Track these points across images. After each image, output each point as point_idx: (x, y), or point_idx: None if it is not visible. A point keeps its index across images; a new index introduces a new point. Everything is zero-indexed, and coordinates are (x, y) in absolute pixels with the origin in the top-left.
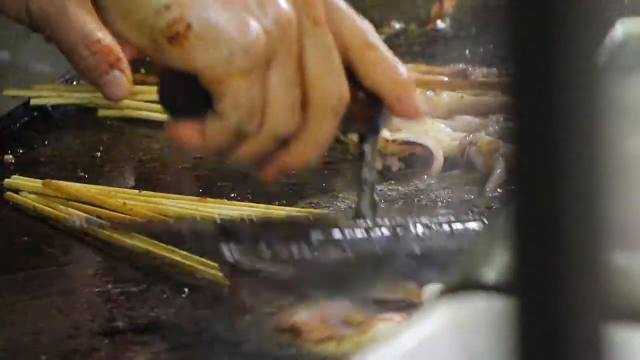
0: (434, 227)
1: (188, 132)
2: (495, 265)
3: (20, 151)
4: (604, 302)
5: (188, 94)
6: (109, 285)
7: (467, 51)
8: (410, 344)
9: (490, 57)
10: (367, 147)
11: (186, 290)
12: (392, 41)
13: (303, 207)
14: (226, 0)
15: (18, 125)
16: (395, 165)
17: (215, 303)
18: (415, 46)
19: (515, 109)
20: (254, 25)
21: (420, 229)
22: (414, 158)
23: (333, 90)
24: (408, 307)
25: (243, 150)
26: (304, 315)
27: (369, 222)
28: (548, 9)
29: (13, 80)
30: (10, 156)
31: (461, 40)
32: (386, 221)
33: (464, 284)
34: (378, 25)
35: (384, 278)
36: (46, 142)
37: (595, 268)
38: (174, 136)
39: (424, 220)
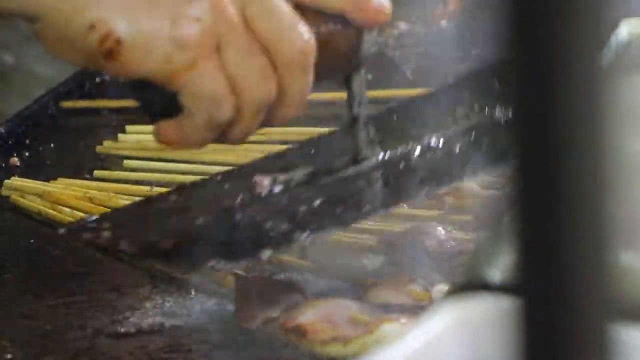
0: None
1: (170, 131)
2: (501, 266)
3: (27, 154)
4: (609, 302)
5: (158, 94)
6: (113, 287)
7: (472, 52)
8: (416, 345)
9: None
10: (354, 84)
11: (192, 292)
12: (397, 42)
13: None
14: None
15: (24, 128)
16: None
17: (222, 305)
18: (420, 46)
19: (519, 109)
20: (183, 18)
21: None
22: None
23: (292, 46)
24: (414, 307)
25: (235, 134)
26: (309, 316)
27: (368, 156)
28: (552, 10)
29: (17, 83)
30: (17, 159)
31: (466, 40)
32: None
33: (470, 284)
34: (384, 26)
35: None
36: (52, 145)
37: (600, 268)
38: (159, 136)
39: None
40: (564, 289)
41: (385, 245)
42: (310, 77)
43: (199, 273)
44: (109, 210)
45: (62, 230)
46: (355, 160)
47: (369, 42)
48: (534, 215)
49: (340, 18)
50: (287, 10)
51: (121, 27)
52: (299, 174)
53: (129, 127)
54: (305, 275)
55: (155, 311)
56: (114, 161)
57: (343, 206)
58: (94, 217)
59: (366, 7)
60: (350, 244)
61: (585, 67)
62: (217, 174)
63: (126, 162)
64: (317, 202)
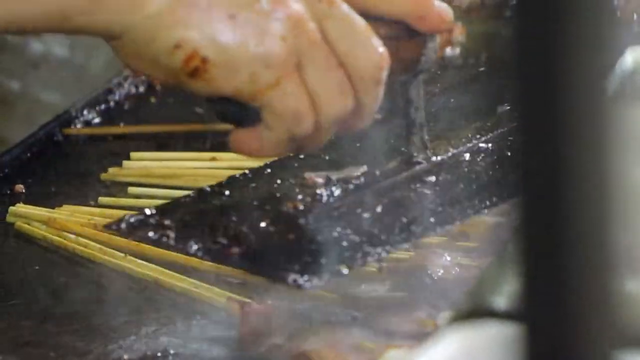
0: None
1: (246, 141)
2: (506, 293)
3: (31, 181)
4: (612, 329)
5: (236, 104)
6: (119, 314)
7: (477, 79)
8: None
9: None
10: (412, 90)
11: (196, 318)
12: None
13: None
14: (235, 17)
15: (29, 154)
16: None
17: (225, 331)
18: (424, 73)
19: (525, 135)
20: (268, 37)
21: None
22: None
23: (368, 60)
24: (419, 334)
25: (310, 146)
26: (314, 343)
27: (422, 160)
28: (558, 37)
29: (22, 109)
30: (22, 186)
31: (470, 68)
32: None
33: (475, 311)
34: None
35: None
36: (57, 172)
37: (604, 295)
38: (235, 144)
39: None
40: (567, 316)
41: (390, 272)
42: (381, 89)
43: (279, 284)
44: (164, 203)
45: (117, 225)
46: (409, 163)
47: (431, 50)
48: (538, 242)
49: (404, 26)
50: (362, 24)
51: (207, 46)
52: (352, 173)
53: (133, 154)
54: (311, 302)
55: (160, 337)
56: (118, 188)
57: (406, 214)
58: (151, 211)
59: (430, 15)
60: (356, 271)
61: (590, 96)
62: (265, 165)
63: (130, 189)
64: (379, 209)
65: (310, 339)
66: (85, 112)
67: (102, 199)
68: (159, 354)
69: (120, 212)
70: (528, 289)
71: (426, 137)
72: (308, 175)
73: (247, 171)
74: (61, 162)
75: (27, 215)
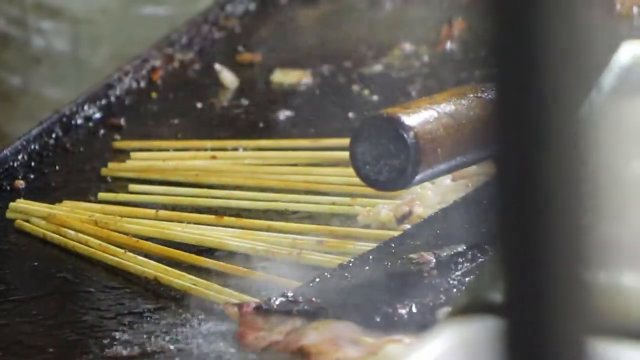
0: None
1: None
2: None
3: (32, 176)
4: (589, 319)
5: None
6: (118, 310)
7: (476, 72)
8: None
9: None
10: None
11: (195, 315)
12: (403, 62)
13: None
14: None
15: (29, 150)
16: None
17: (225, 327)
18: (425, 67)
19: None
20: None
21: None
22: None
23: None
24: (417, 328)
25: None
26: (313, 338)
27: None
28: (555, 33)
29: (24, 105)
30: (22, 181)
31: (470, 61)
32: None
33: (473, 306)
34: (389, 47)
35: None
36: (57, 168)
37: (579, 286)
38: None
39: None
40: (543, 307)
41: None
42: None
43: None
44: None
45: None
46: None
47: None
48: (513, 234)
49: None
50: None
51: None
52: (455, 249)
53: (133, 154)
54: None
55: (160, 334)
56: (119, 184)
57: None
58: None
59: None
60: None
61: (587, 90)
62: (371, 252)
63: (131, 185)
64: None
65: (310, 334)
66: (85, 107)
67: (102, 195)
68: (159, 351)
69: (120, 209)
70: (506, 281)
71: None
72: (420, 255)
73: (352, 259)
74: (61, 158)
75: (27, 211)
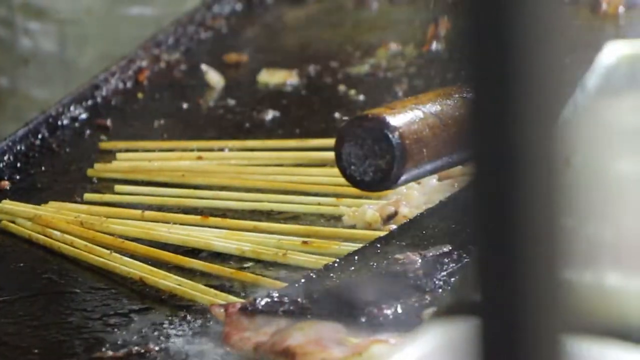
0: None
1: None
2: None
3: (18, 177)
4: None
5: None
6: (103, 311)
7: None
8: None
9: None
10: None
11: (180, 316)
12: (389, 62)
13: None
14: None
15: (15, 151)
16: None
17: (210, 327)
18: (411, 67)
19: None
20: None
21: None
22: None
23: None
24: (403, 328)
25: None
26: (298, 338)
27: None
28: (539, 33)
29: (11, 106)
30: (7, 182)
31: (457, 61)
32: None
33: (457, 307)
34: (375, 47)
35: None
36: (43, 168)
37: (554, 284)
38: None
39: None
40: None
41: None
42: None
43: None
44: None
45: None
46: None
47: None
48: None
49: None
50: None
51: None
52: (441, 250)
53: (119, 155)
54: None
55: (146, 335)
56: (105, 185)
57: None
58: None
59: None
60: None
61: (571, 89)
62: (357, 252)
63: (117, 186)
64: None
65: (295, 335)
66: (71, 107)
67: (88, 196)
68: (144, 351)
69: (106, 210)
70: (481, 279)
71: None
72: (405, 255)
73: (337, 259)
74: (47, 159)
75: (13, 211)
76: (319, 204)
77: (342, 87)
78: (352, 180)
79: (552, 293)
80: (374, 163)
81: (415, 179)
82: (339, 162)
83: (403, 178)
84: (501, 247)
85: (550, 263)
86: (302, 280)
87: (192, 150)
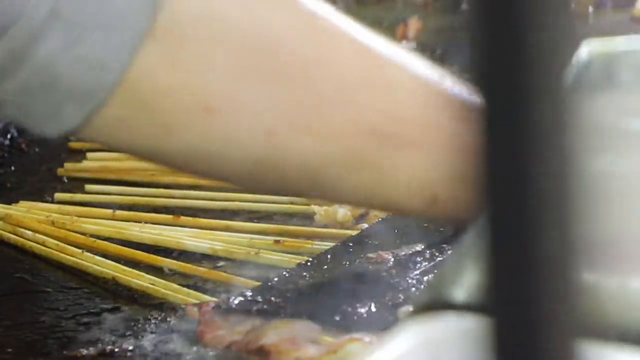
0: None
1: None
2: (465, 285)
3: None
4: (576, 320)
5: None
6: (76, 310)
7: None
8: None
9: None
10: None
11: (154, 315)
12: None
13: None
14: None
15: None
16: None
17: (184, 326)
18: None
19: (484, 129)
20: None
21: None
22: None
23: None
24: (378, 327)
25: None
26: (272, 337)
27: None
28: (515, 32)
29: None
30: None
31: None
32: None
33: (434, 304)
34: None
35: None
36: (13, 168)
37: (567, 286)
38: None
39: None
40: (531, 308)
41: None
42: None
43: None
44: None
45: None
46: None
47: None
48: (501, 233)
49: None
50: None
51: None
52: (413, 248)
53: (90, 154)
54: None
55: (119, 334)
56: (75, 184)
57: None
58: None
59: None
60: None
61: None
62: (329, 251)
63: (88, 186)
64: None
65: (269, 333)
66: None
67: (59, 195)
68: (117, 350)
69: (77, 209)
70: (492, 281)
71: None
72: (378, 254)
73: (310, 258)
74: (17, 158)
75: None
76: (291, 203)
77: None
78: None
79: (565, 294)
80: None
81: None
82: None
83: None
84: (512, 247)
85: (562, 263)
86: (275, 279)
87: None
